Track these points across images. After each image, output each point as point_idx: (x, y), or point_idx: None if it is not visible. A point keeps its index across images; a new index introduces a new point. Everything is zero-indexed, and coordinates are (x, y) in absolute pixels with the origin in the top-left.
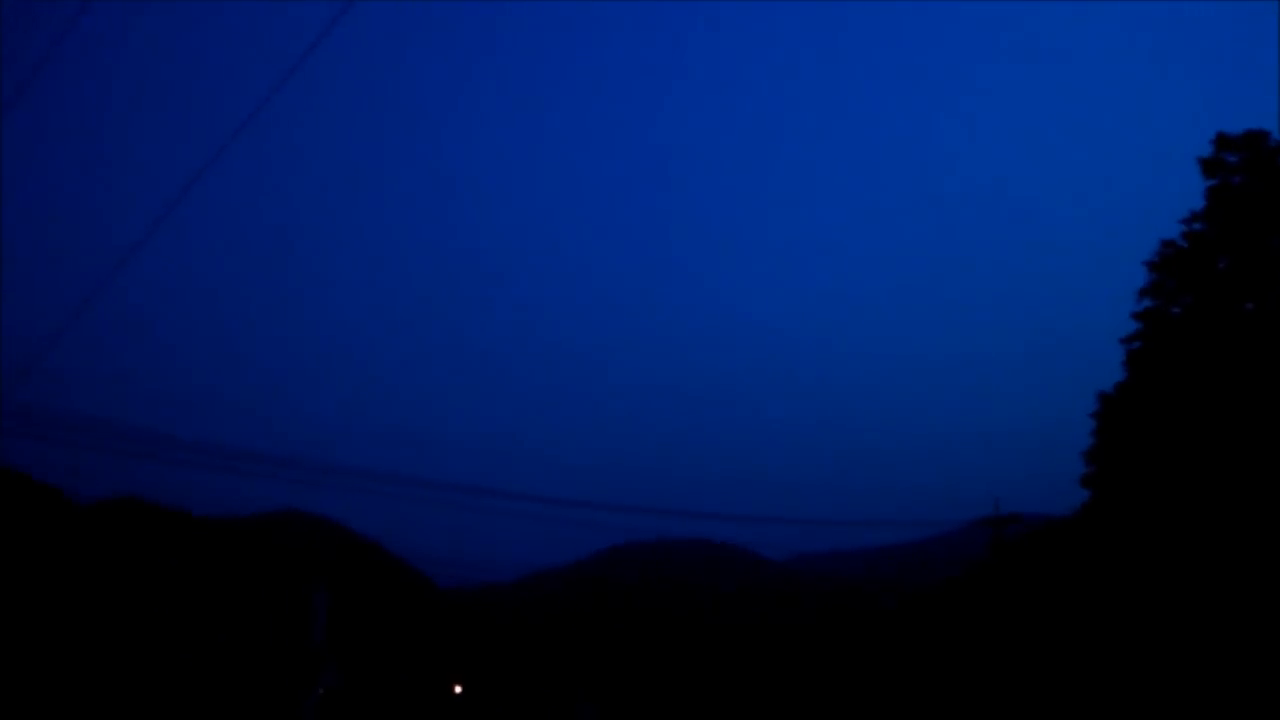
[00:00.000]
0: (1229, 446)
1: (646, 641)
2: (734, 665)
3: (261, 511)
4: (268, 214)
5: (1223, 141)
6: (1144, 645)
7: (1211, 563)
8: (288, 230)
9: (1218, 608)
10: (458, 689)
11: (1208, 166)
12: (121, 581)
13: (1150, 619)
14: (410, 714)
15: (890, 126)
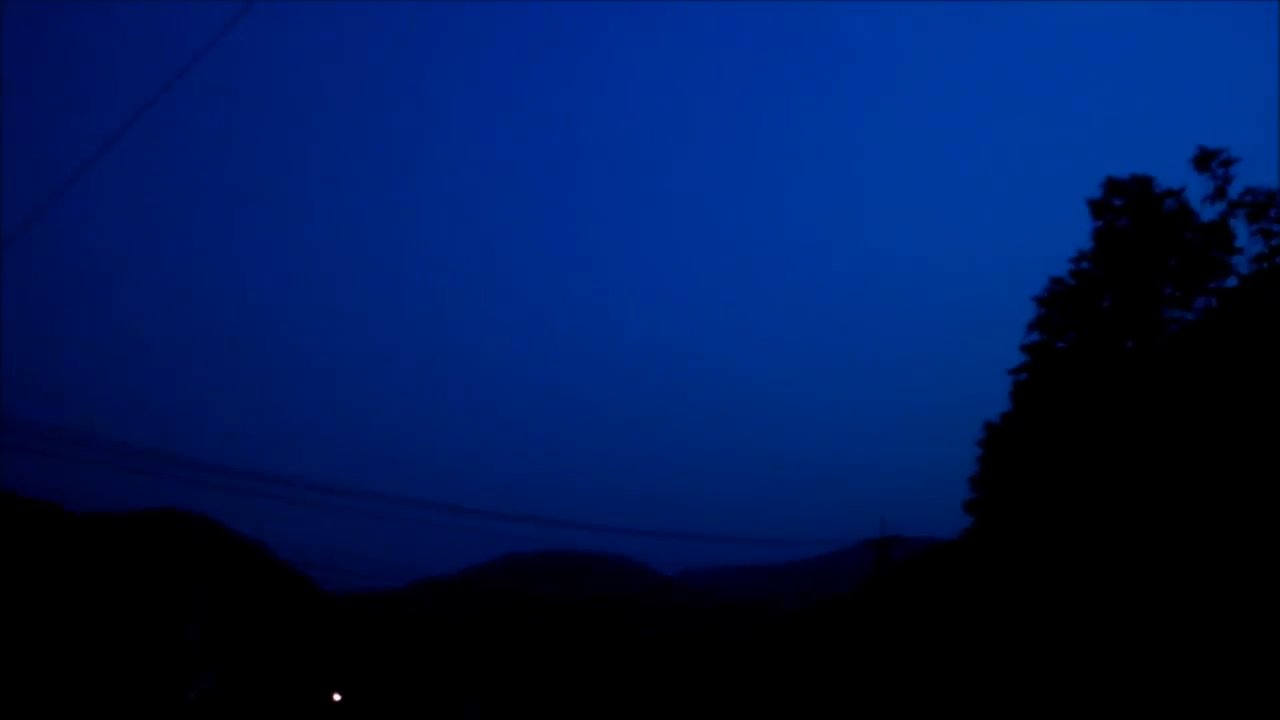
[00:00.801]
0: (1104, 475)
1: (535, 648)
2: (621, 672)
3: (138, 509)
4: (164, 204)
5: (1111, 185)
6: (1018, 656)
7: (1085, 582)
8: (182, 218)
9: (1089, 623)
10: (336, 696)
11: (1096, 208)
12: None
13: (1024, 633)
14: (287, 719)
15: (806, 155)
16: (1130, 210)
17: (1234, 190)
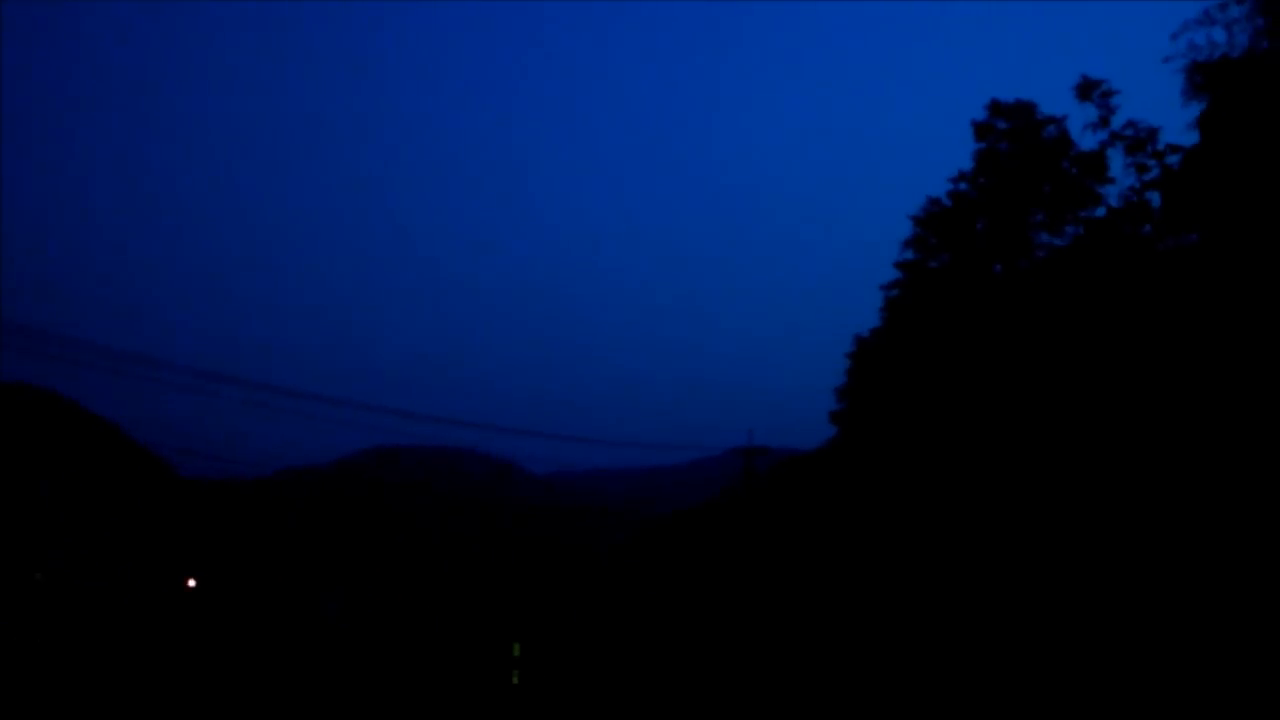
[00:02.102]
0: (965, 390)
1: (400, 543)
2: (486, 570)
3: None
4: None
5: (995, 108)
6: (877, 560)
7: (943, 492)
8: (62, 101)
9: (943, 531)
10: (191, 582)
11: (979, 130)
12: None
13: (881, 539)
14: (137, 602)
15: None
16: (1012, 135)
17: (1118, 122)
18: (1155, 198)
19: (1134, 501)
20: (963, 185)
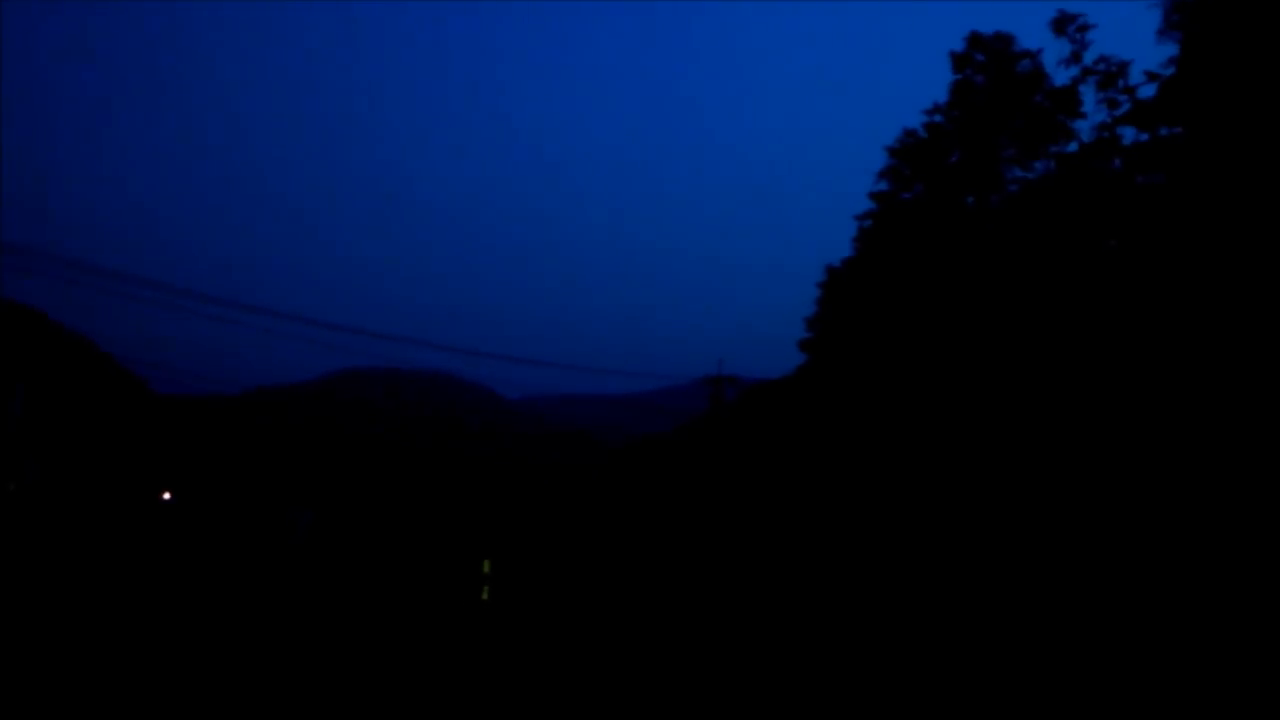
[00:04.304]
0: (935, 323)
1: (371, 462)
2: (458, 490)
3: None
4: None
5: (973, 40)
6: (845, 486)
7: (911, 420)
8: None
9: (910, 458)
10: (166, 495)
11: (957, 61)
12: None
13: (850, 465)
14: (111, 514)
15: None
16: (988, 67)
17: (1090, 57)
18: (1126, 133)
19: (1098, 430)
20: (938, 117)
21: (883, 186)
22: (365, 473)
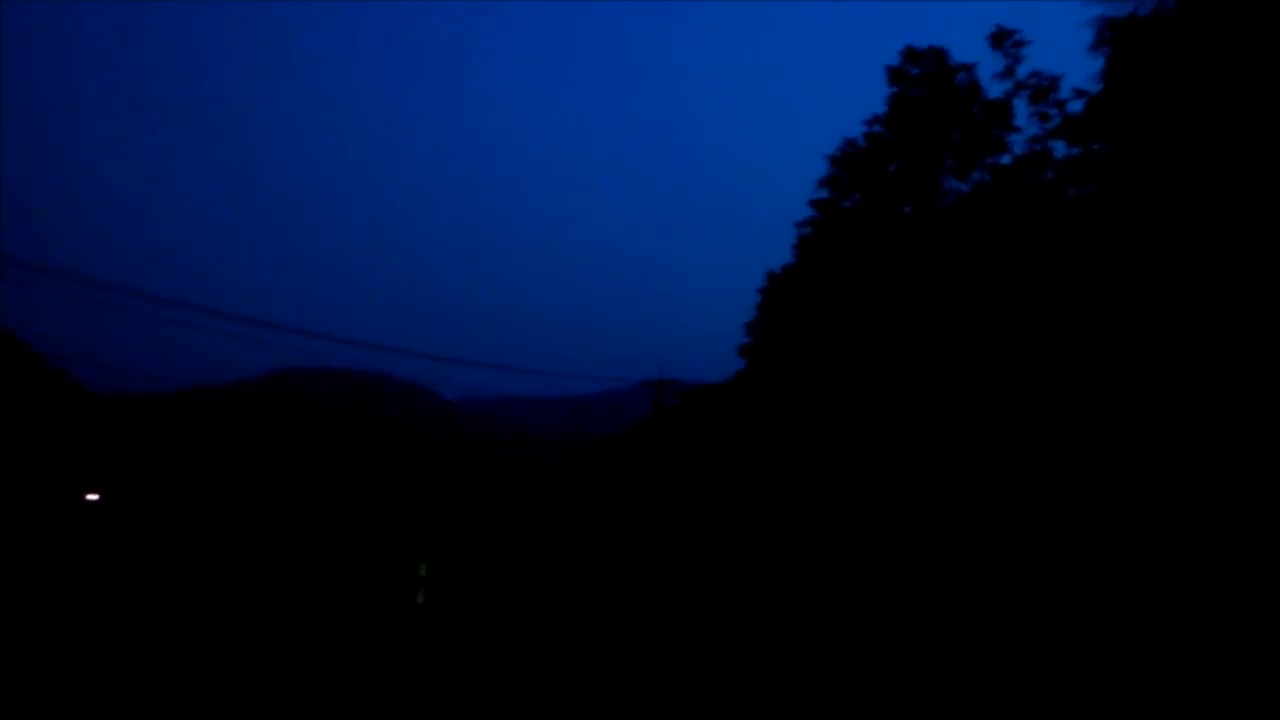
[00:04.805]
0: (872, 330)
1: (308, 461)
2: (396, 491)
3: None
4: None
5: (910, 54)
6: (781, 488)
7: (847, 427)
8: None
9: (845, 465)
10: (92, 496)
11: (894, 75)
12: None
13: (787, 468)
14: (25, 515)
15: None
16: (925, 81)
17: (1023, 71)
18: (1058, 146)
19: (1029, 434)
20: (877, 128)
21: (823, 194)
22: (300, 472)
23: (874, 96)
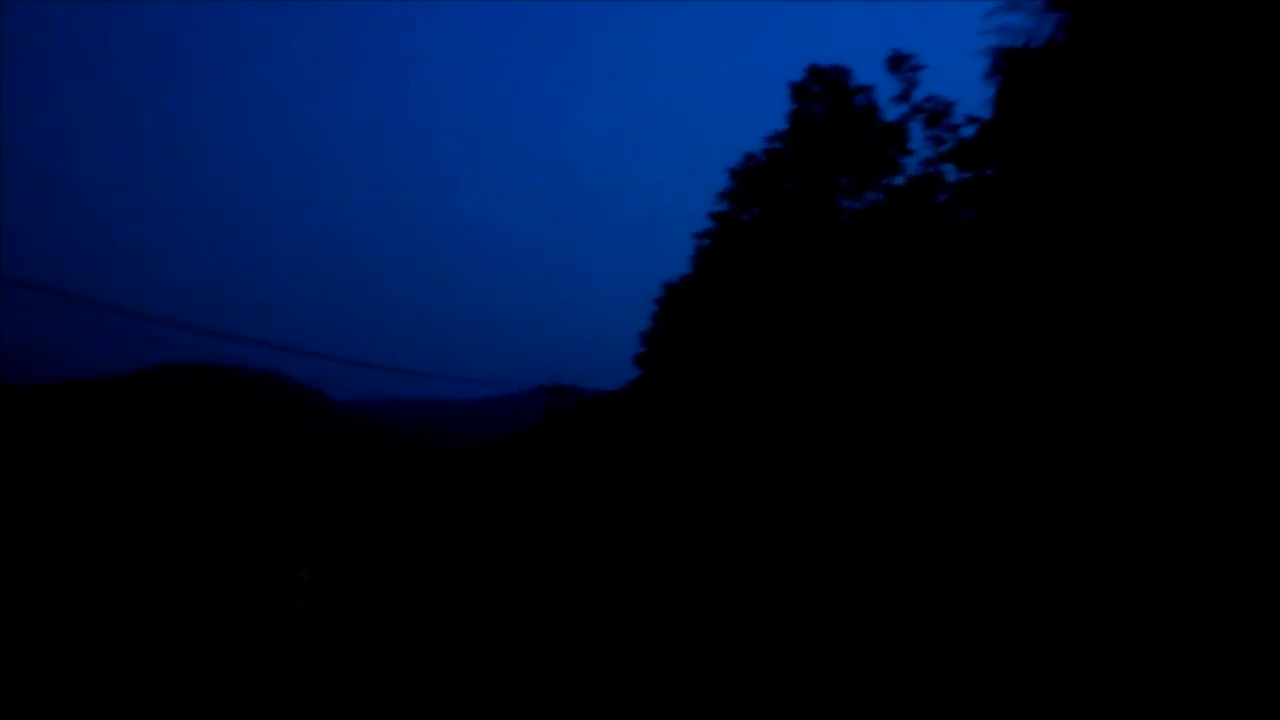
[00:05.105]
0: (766, 343)
1: (188, 460)
2: (280, 493)
3: None
4: None
5: (813, 72)
6: (673, 499)
7: (740, 436)
8: None
9: (738, 474)
10: None
11: (796, 92)
12: None
13: (680, 478)
14: None
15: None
16: (825, 99)
17: (919, 95)
18: (949, 170)
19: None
20: (778, 144)
21: (723, 207)
22: (182, 471)
23: (780, 109)
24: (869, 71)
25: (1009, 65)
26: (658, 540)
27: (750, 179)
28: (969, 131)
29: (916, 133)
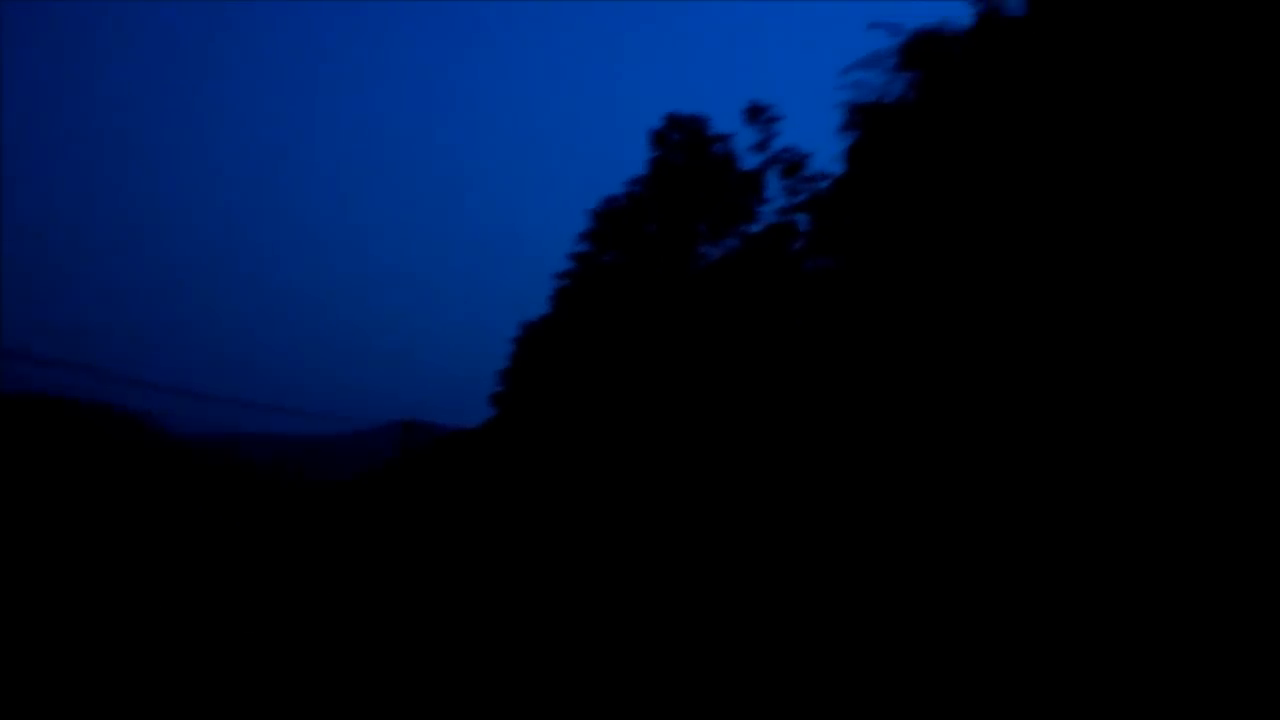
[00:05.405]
0: (622, 384)
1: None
2: (104, 528)
3: None
4: None
5: (672, 121)
6: (526, 536)
7: (595, 474)
8: None
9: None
10: None
11: (656, 139)
12: None
13: (536, 513)
14: None
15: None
16: (684, 147)
17: (777, 145)
18: (803, 220)
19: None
20: (638, 189)
21: (584, 248)
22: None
23: (640, 154)
24: (727, 119)
25: (863, 119)
26: (519, 582)
27: (611, 221)
28: (824, 183)
29: (774, 182)
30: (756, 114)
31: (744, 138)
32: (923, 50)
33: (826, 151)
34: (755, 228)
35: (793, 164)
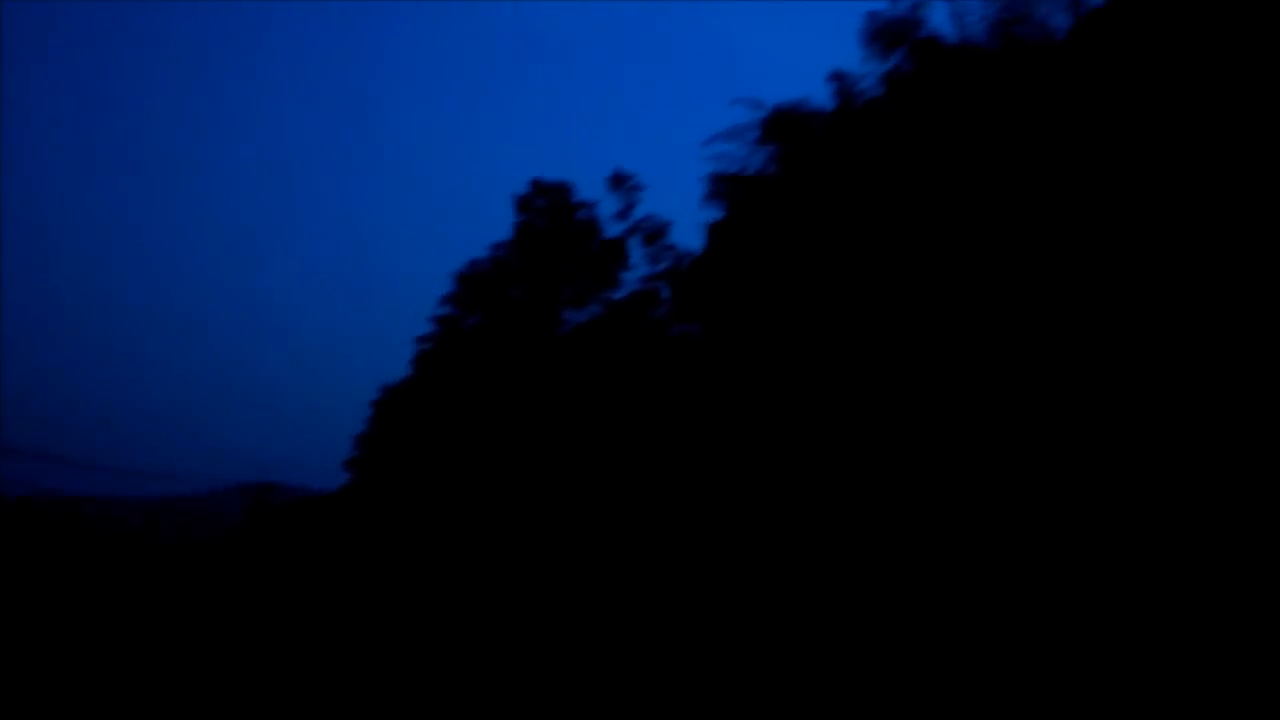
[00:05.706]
0: (483, 451)
1: None
2: None
3: None
4: None
5: (536, 186)
6: (385, 602)
7: (455, 542)
8: None
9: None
10: None
11: (520, 204)
12: None
13: (390, 580)
14: None
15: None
16: (549, 212)
17: (639, 213)
18: (665, 288)
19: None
20: (502, 253)
21: (447, 311)
22: None
23: (503, 216)
24: (591, 186)
25: (725, 190)
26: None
27: (475, 285)
28: (685, 254)
29: (636, 249)
30: (620, 182)
31: (607, 205)
32: (783, 125)
33: (689, 219)
34: (619, 294)
35: (654, 232)
